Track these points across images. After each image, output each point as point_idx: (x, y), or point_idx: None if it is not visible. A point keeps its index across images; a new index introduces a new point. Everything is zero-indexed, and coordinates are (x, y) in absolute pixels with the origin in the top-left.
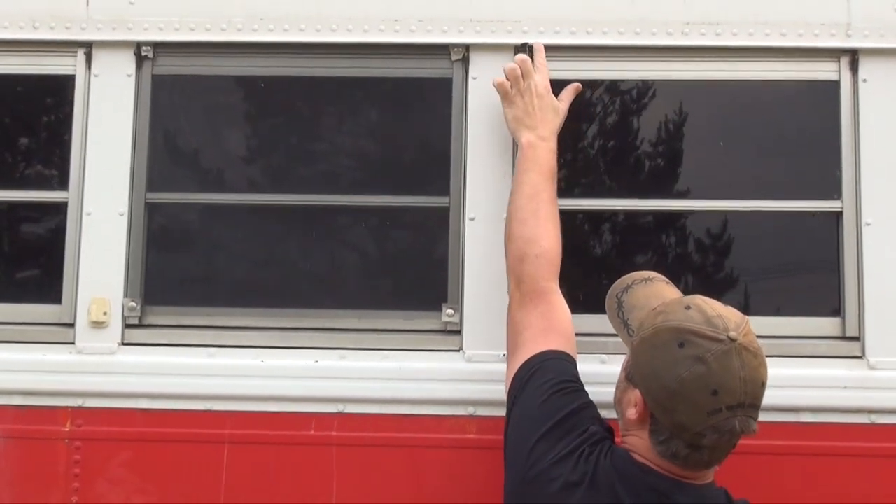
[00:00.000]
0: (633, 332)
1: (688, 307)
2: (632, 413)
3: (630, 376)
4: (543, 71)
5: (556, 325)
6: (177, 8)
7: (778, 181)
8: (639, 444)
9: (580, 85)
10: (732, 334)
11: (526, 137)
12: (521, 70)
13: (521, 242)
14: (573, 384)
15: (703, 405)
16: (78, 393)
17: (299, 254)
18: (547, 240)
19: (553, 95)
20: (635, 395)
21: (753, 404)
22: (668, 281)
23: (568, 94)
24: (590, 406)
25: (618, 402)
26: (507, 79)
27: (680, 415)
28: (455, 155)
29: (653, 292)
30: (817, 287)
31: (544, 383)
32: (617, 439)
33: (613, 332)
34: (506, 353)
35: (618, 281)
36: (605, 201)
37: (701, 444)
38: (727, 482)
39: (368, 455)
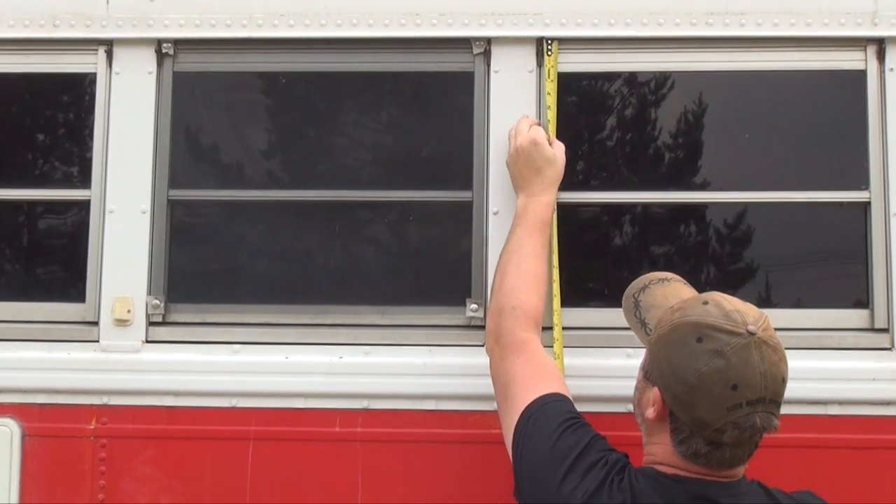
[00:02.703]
0: (651, 330)
1: (705, 302)
2: (650, 413)
3: (648, 375)
4: (534, 125)
5: (543, 369)
6: (197, 4)
7: (805, 172)
8: (661, 451)
9: None
10: (751, 328)
11: (520, 199)
12: (511, 135)
13: (499, 295)
14: (576, 420)
15: (723, 400)
16: (103, 391)
17: (322, 250)
18: (526, 292)
19: (545, 145)
20: (653, 393)
21: (774, 400)
22: (685, 282)
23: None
24: (600, 437)
25: (637, 404)
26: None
27: (699, 411)
28: (478, 149)
29: (670, 292)
30: (845, 278)
31: (548, 426)
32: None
33: None
34: (497, 408)
35: (634, 281)
36: (630, 194)
37: (721, 440)
38: (755, 476)
39: (393, 451)
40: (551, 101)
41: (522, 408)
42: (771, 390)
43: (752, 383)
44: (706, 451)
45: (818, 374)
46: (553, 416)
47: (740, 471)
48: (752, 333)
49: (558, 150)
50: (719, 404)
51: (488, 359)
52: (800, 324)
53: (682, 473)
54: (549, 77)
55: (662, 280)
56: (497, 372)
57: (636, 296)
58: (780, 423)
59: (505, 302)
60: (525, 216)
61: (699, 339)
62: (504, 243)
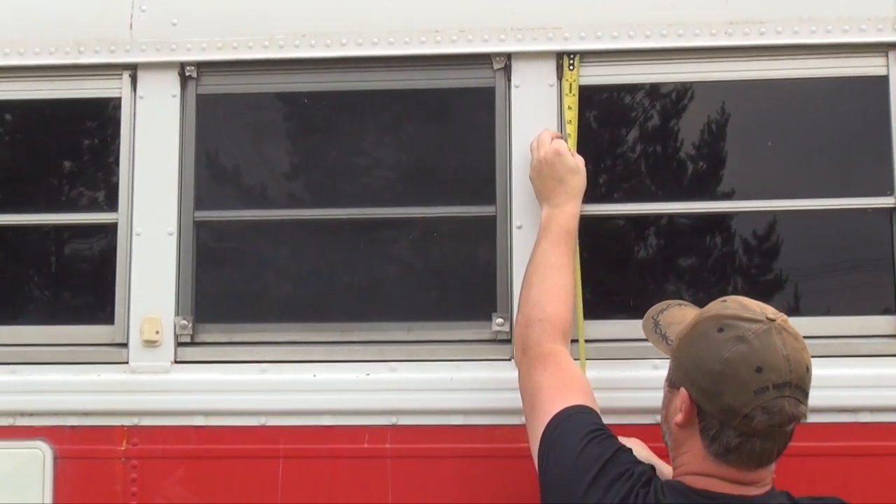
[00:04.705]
0: (672, 341)
1: (724, 300)
2: (679, 417)
3: (673, 381)
4: (556, 137)
5: (570, 381)
6: (219, 27)
7: (828, 179)
8: (692, 459)
9: None
10: (771, 315)
11: (544, 210)
12: (533, 147)
13: (526, 308)
14: (602, 432)
15: (749, 383)
16: (133, 412)
17: (348, 267)
18: (552, 305)
19: (568, 155)
20: (680, 395)
21: (800, 387)
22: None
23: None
24: (626, 449)
25: (665, 419)
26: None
27: (727, 397)
28: (500, 163)
29: (689, 313)
30: (871, 285)
31: (572, 438)
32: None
33: None
34: (524, 420)
35: (653, 306)
36: (653, 205)
37: (751, 428)
38: (785, 486)
39: (423, 466)
40: (572, 115)
41: (548, 419)
42: (796, 375)
43: (777, 366)
44: (737, 444)
45: (848, 381)
46: (578, 427)
47: (768, 477)
48: (771, 319)
49: (580, 163)
50: (746, 388)
51: (516, 371)
52: (828, 331)
53: (710, 487)
54: (569, 91)
55: (680, 304)
56: (525, 383)
57: (655, 317)
58: (811, 433)
59: (532, 314)
60: (550, 227)
61: (720, 330)
62: (530, 255)
